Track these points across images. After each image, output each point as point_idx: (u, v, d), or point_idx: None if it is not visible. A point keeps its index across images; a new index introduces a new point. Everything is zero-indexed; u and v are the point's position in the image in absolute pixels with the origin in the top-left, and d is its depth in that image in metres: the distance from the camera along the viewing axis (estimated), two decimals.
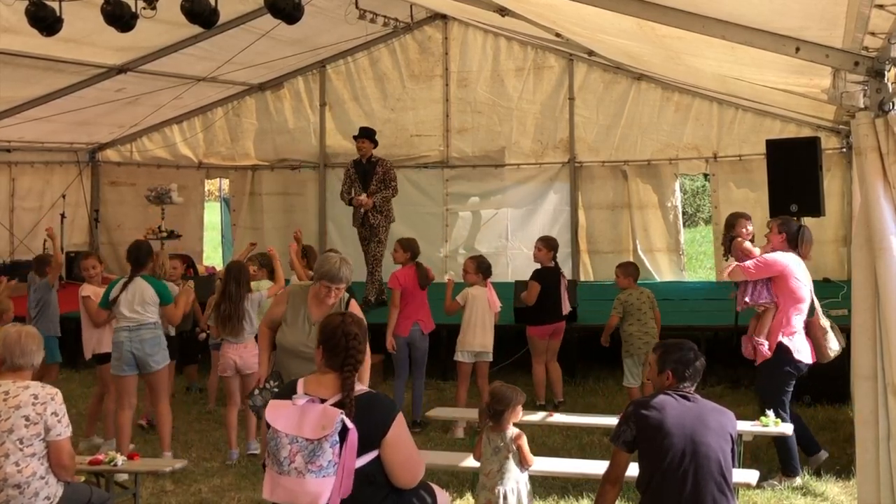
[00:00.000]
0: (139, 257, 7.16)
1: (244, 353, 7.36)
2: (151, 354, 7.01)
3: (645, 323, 8.02)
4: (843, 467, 6.59)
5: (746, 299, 6.62)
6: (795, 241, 6.57)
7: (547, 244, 8.67)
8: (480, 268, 8.25)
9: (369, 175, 10.49)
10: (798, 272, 6.52)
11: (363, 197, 10.38)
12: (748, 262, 6.58)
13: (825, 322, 6.62)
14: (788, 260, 6.51)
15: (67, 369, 9.86)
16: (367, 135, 10.67)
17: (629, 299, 8.08)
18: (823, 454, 6.70)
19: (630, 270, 8.31)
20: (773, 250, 6.61)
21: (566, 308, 8.65)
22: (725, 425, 4.18)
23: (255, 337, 7.17)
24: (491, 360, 8.28)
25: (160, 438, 7.21)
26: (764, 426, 6.24)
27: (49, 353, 7.12)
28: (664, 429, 4.08)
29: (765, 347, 6.48)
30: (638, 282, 8.36)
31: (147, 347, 6.99)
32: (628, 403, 4.36)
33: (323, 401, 3.59)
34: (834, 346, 6.58)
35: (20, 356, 4.76)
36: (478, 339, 8.15)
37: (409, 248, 8.18)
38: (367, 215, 10.51)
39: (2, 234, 12.88)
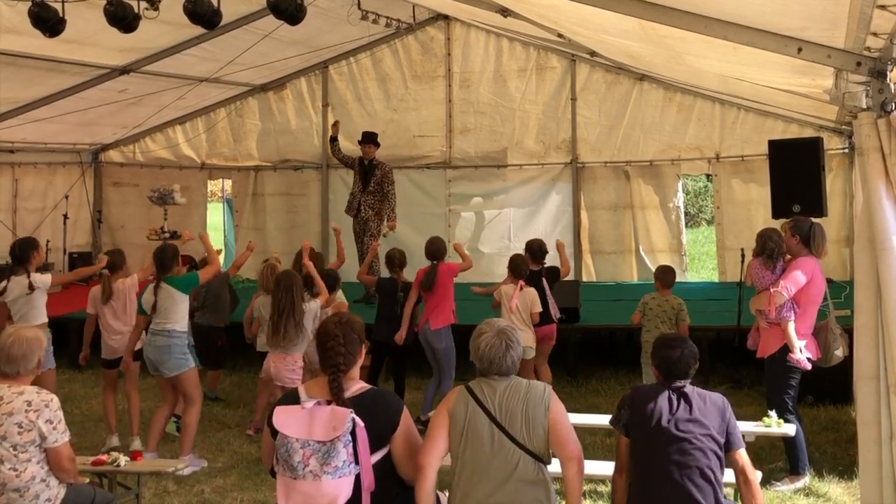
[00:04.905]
0: (164, 261, 7.17)
1: (280, 364, 7.34)
2: (162, 361, 7.07)
3: (662, 332, 7.53)
4: (845, 468, 6.59)
5: (785, 314, 6.42)
6: (808, 241, 6.48)
7: (528, 249, 8.50)
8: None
9: (369, 175, 11.10)
10: (818, 277, 6.47)
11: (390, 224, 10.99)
12: (783, 286, 6.32)
13: (836, 327, 6.61)
14: (810, 266, 6.43)
15: (70, 370, 9.87)
16: (370, 139, 11.15)
17: (650, 303, 7.82)
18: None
19: (661, 276, 8.00)
20: (791, 254, 6.53)
21: (554, 313, 8.34)
22: (715, 416, 4.18)
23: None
24: (533, 356, 8.01)
25: (180, 442, 7.26)
26: (766, 427, 6.23)
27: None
28: (654, 416, 4.15)
29: (805, 361, 6.40)
30: (639, 282, 8.26)
31: (159, 354, 7.06)
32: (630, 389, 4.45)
33: (329, 402, 3.59)
34: (838, 352, 6.58)
35: (6, 363, 4.62)
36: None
37: (428, 250, 8.16)
38: (361, 208, 11.08)
39: (4, 234, 12.88)
